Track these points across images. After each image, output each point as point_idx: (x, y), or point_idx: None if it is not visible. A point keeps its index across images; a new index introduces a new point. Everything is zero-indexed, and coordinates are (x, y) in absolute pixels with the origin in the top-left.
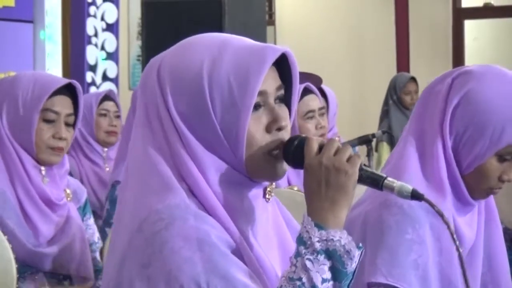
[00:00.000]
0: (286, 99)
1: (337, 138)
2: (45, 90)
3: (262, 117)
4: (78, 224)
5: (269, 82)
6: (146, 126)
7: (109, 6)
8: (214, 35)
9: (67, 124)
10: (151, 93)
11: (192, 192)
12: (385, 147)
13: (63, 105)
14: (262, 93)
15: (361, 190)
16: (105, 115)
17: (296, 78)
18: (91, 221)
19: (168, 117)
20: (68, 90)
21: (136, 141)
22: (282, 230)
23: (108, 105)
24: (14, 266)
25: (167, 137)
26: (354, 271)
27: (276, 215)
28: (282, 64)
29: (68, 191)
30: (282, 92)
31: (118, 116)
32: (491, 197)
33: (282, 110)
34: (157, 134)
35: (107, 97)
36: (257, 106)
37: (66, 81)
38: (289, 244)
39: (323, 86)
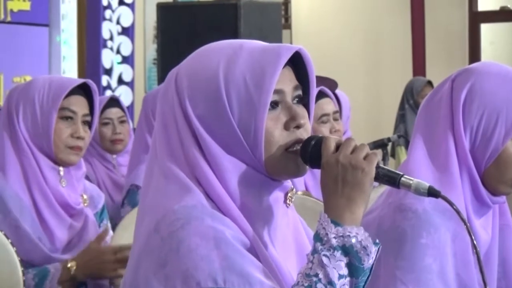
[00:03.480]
0: (304, 101)
1: None
2: (61, 89)
3: (280, 115)
4: (95, 230)
5: (286, 81)
6: (162, 133)
7: (125, 9)
8: (230, 40)
9: (84, 124)
10: (169, 101)
11: (208, 195)
12: (403, 151)
13: (79, 104)
14: (279, 92)
15: (375, 194)
16: (107, 123)
17: (312, 76)
18: (108, 227)
19: (184, 121)
20: (83, 91)
21: (153, 150)
22: (301, 236)
23: (111, 112)
24: (20, 269)
25: (182, 142)
26: (371, 267)
27: (296, 221)
28: (299, 67)
29: (85, 196)
30: (299, 92)
31: (124, 121)
32: (506, 202)
33: (300, 109)
34: (172, 140)
35: (110, 103)
36: (274, 105)
37: (81, 80)
38: (307, 250)
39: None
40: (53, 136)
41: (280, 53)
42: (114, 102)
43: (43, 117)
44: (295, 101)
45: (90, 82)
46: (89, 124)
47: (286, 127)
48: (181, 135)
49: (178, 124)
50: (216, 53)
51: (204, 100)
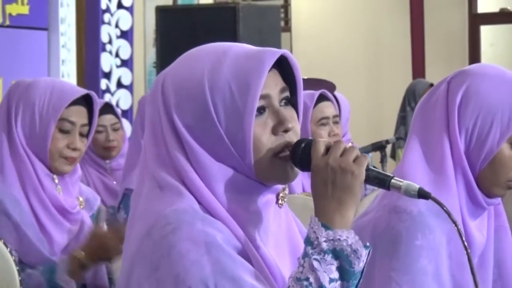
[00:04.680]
0: (292, 101)
1: (350, 144)
2: (62, 100)
3: (268, 120)
4: None
5: (272, 85)
6: (151, 139)
7: (124, 13)
8: (215, 45)
9: (81, 135)
10: (156, 109)
11: (198, 201)
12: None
13: (79, 115)
14: (265, 97)
15: (369, 199)
16: (101, 131)
17: (299, 80)
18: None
19: (170, 130)
20: (84, 100)
21: (143, 156)
22: (294, 236)
23: (105, 119)
24: (17, 279)
25: (168, 150)
26: (362, 270)
27: (289, 221)
28: (285, 68)
29: (81, 199)
30: (287, 94)
31: (117, 128)
32: (501, 203)
33: (288, 111)
34: (159, 147)
35: (104, 110)
36: (261, 110)
37: (83, 91)
38: (300, 250)
39: (335, 92)
40: (50, 145)
41: (264, 59)
42: (108, 108)
43: (42, 126)
44: (282, 104)
45: (93, 93)
46: (87, 132)
47: (274, 132)
48: (167, 143)
49: (164, 132)
50: (200, 60)
51: (191, 109)
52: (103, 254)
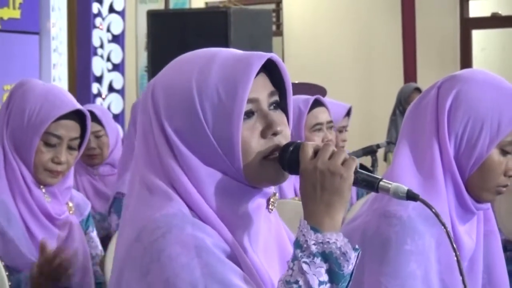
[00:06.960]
0: (282, 106)
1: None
2: (50, 115)
3: (256, 124)
4: (81, 237)
5: (260, 89)
6: (142, 143)
7: (115, 17)
8: (204, 50)
9: (70, 147)
10: (147, 114)
11: (188, 205)
12: None
13: (68, 129)
14: (253, 101)
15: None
16: None
17: (288, 84)
18: (94, 234)
19: (161, 135)
20: (77, 112)
21: (135, 160)
22: (283, 241)
23: None
24: (7, 284)
25: (159, 154)
26: (352, 273)
27: (279, 226)
28: (275, 72)
29: (70, 204)
30: (276, 98)
31: (100, 136)
32: (490, 208)
33: (277, 115)
34: (151, 152)
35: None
36: (249, 114)
37: (73, 107)
38: (289, 256)
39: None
40: (34, 158)
41: (252, 62)
42: (90, 116)
43: (27, 138)
44: (271, 108)
45: (84, 110)
46: (77, 145)
47: (263, 135)
48: (159, 148)
49: (155, 137)
50: (189, 64)
51: (180, 114)
52: (52, 281)
